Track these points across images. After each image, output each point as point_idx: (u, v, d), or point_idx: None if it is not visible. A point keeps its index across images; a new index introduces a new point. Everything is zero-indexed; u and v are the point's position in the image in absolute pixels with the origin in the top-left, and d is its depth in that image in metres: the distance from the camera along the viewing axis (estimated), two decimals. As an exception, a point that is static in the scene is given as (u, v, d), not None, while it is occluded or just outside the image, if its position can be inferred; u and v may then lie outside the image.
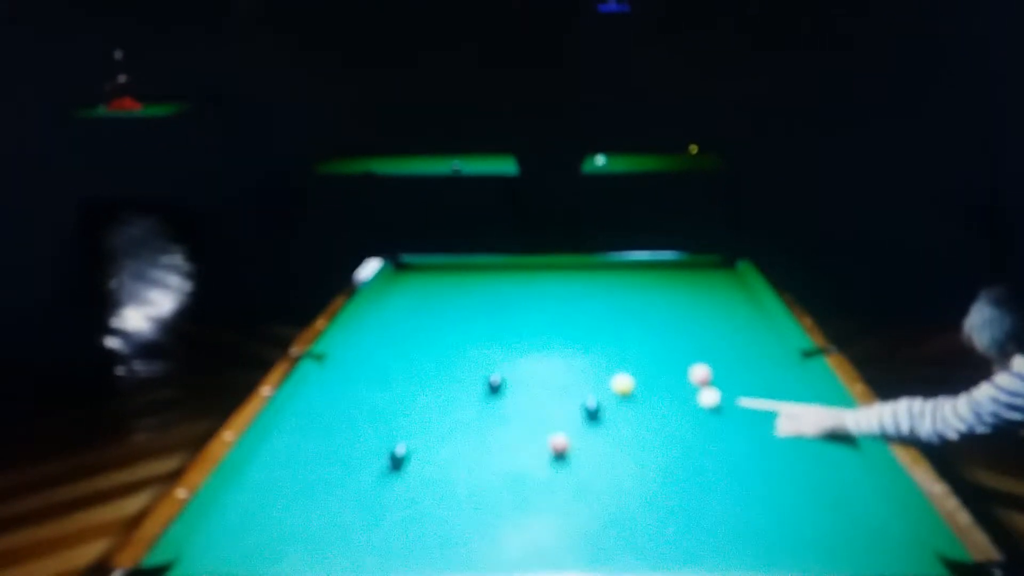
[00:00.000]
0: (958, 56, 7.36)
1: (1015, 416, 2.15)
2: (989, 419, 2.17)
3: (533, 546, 1.98)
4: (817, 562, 1.89)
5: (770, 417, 2.53)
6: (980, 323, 2.24)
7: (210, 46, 8.56)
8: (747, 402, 2.61)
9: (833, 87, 8.03)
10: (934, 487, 2.09)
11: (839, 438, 2.41)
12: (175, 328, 5.75)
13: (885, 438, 2.31)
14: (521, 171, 6.77)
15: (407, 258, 4.23)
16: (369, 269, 4.01)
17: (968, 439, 2.22)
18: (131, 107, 8.78)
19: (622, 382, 2.75)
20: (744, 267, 4.02)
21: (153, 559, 1.91)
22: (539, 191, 6.65)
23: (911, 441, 2.27)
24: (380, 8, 8.71)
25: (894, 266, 6.26)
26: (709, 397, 2.64)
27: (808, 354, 2.98)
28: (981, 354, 2.27)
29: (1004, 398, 2.16)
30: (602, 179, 6.83)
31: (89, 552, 3.23)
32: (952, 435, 2.22)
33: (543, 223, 6.54)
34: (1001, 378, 2.18)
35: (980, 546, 1.87)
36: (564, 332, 3.34)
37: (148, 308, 6.06)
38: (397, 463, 2.31)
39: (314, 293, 3.82)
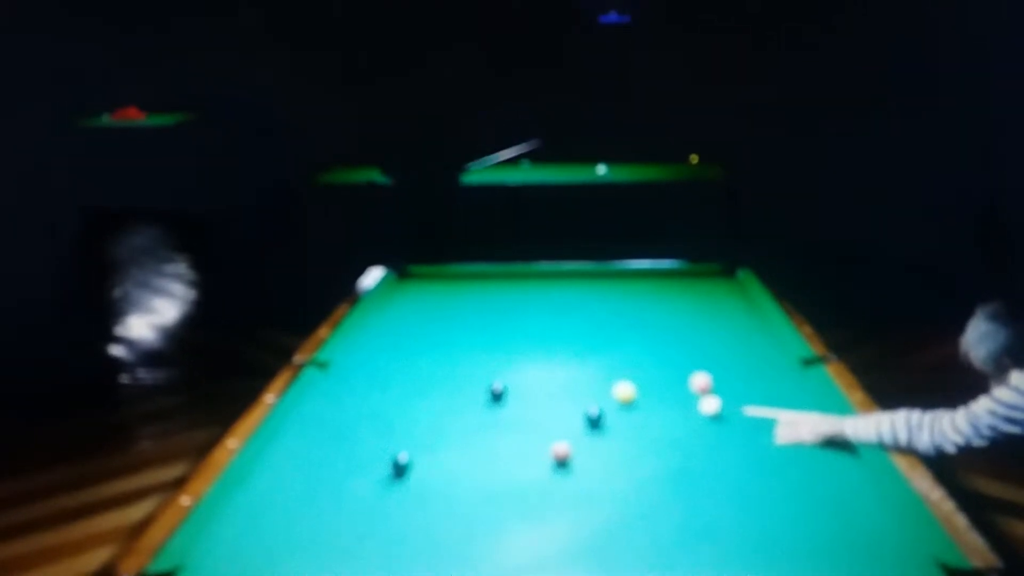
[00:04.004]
0: (958, 64, 7.37)
1: (1013, 429, 2.17)
2: (987, 432, 2.19)
3: (535, 554, 1.99)
4: (818, 569, 1.90)
5: (769, 425, 2.54)
6: (976, 338, 2.27)
7: (214, 55, 8.60)
8: (753, 411, 2.62)
9: (833, 95, 8.05)
10: (933, 494, 2.11)
11: (838, 445, 2.42)
12: (179, 336, 5.76)
13: (883, 447, 2.33)
14: (392, 179, 6.81)
15: (410, 266, 4.25)
16: (372, 277, 4.04)
17: (965, 452, 2.23)
18: (135, 116, 8.83)
19: (624, 390, 2.76)
20: (744, 276, 4.04)
21: (157, 566, 1.92)
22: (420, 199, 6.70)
23: (908, 452, 2.29)
24: (382, 16, 8.74)
25: (893, 274, 6.27)
26: (710, 405, 2.66)
27: (808, 362, 2.99)
28: (979, 369, 2.29)
29: (1002, 411, 2.17)
30: (603, 188, 6.85)
31: (93, 560, 3.24)
32: (950, 448, 2.24)
33: (545, 231, 6.56)
34: (999, 392, 2.21)
35: (979, 552, 1.88)
36: (566, 340, 3.35)
37: (152, 316, 6.08)
38: (400, 471, 2.32)
39: (317, 301, 3.84)
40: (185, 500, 2.14)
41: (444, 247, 4.97)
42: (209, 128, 8.66)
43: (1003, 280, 5.75)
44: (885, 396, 2.72)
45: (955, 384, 2.42)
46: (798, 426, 2.48)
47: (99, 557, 3.24)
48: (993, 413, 2.19)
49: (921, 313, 5.43)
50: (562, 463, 2.36)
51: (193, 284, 6.80)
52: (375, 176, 7.01)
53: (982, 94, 7.21)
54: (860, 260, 6.56)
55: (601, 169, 7.04)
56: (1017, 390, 2.17)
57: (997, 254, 6.40)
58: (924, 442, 2.27)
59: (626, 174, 6.99)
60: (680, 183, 6.97)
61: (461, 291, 4.03)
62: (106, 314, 6.16)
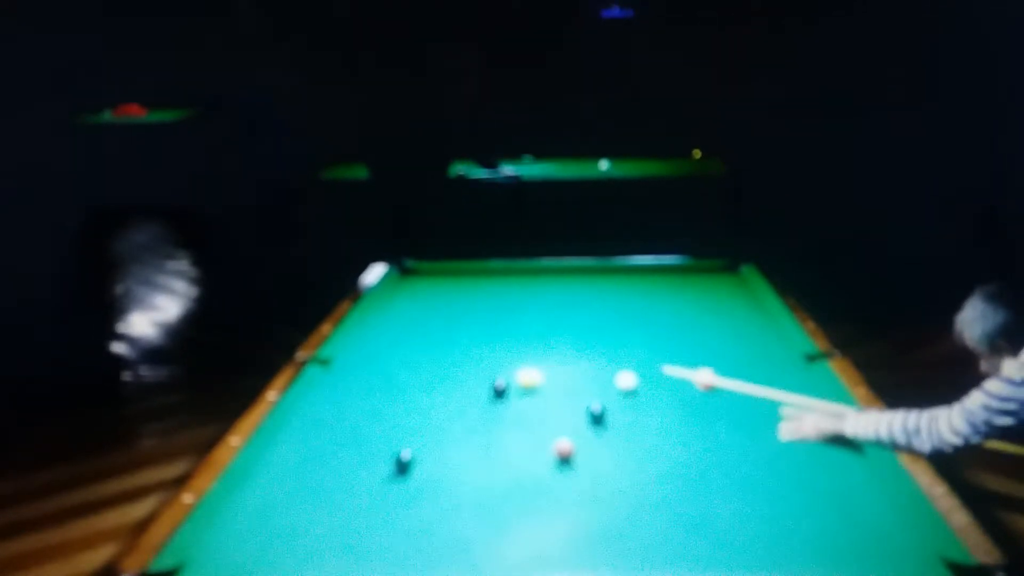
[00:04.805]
0: (962, 61, 7.35)
1: (1007, 421, 2.16)
2: (983, 428, 2.19)
3: (539, 550, 1.99)
4: (821, 565, 1.90)
5: (774, 422, 2.54)
6: (972, 318, 2.27)
7: (215, 52, 8.58)
8: (671, 370, 2.70)
9: (836, 91, 8.03)
10: (936, 489, 2.10)
11: (841, 441, 2.42)
12: (181, 333, 5.76)
13: (883, 447, 2.33)
14: (371, 176, 6.79)
15: (412, 262, 4.24)
16: (374, 274, 4.03)
17: (964, 450, 2.23)
18: (136, 113, 8.82)
19: (528, 375, 2.82)
20: (748, 271, 4.03)
21: (160, 564, 1.92)
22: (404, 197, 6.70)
23: (907, 452, 2.29)
24: (384, 14, 8.73)
25: (897, 270, 6.26)
26: (626, 380, 2.75)
27: (812, 358, 2.99)
28: (971, 349, 2.29)
29: (995, 404, 2.17)
30: (606, 184, 6.84)
31: (94, 558, 3.24)
32: (949, 450, 2.23)
33: (547, 227, 6.55)
34: (991, 385, 2.20)
35: (983, 548, 1.87)
36: (569, 336, 3.35)
37: (154, 313, 6.08)
38: (403, 468, 2.32)
39: (320, 298, 3.84)
40: (188, 498, 2.14)
41: (444, 243, 4.96)
42: (211, 124, 8.65)
43: (1005, 278, 5.73)
44: (888, 392, 2.72)
45: (958, 380, 2.41)
46: (802, 423, 2.48)
47: (101, 555, 3.24)
48: (987, 407, 2.18)
49: (924, 309, 5.41)
50: (565, 460, 2.36)
51: (195, 281, 6.80)
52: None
53: (985, 91, 7.19)
54: (864, 256, 6.55)
55: (604, 164, 7.03)
56: (1009, 381, 2.17)
57: (999, 252, 6.39)
58: (922, 445, 2.26)
59: (629, 169, 6.98)
60: (683, 178, 6.95)
61: (463, 287, 4.02)
62: (108, 311, 6.16)
